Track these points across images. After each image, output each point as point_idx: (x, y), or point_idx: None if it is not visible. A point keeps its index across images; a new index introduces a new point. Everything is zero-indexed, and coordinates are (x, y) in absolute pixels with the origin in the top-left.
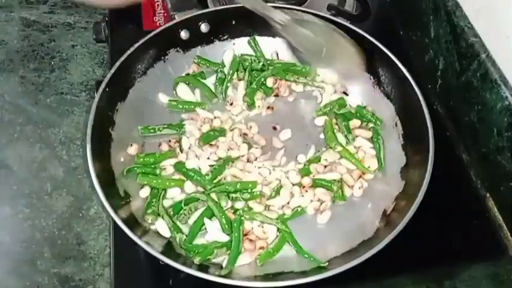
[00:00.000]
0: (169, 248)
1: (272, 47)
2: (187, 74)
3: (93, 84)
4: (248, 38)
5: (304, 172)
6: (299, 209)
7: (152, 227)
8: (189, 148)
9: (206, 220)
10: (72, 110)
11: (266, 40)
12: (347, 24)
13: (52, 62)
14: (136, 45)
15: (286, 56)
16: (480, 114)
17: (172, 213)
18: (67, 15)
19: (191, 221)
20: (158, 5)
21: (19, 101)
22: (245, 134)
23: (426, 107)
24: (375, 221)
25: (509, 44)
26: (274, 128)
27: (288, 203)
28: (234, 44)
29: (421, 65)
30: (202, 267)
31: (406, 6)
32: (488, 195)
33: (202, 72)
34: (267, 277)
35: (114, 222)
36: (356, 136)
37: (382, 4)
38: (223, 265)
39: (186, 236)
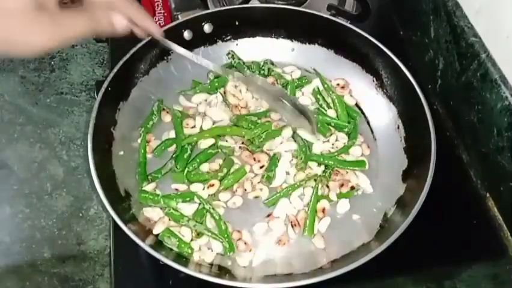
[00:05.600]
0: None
1: (274, 49)
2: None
3: (93, 84)
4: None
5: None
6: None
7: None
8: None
9: None
10: (72, 110)
11: (268, 41)
12: (347, 24)
13: (52, 62)
14: (139, 45)
15: (287, 57)
16: (480, 114)
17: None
18: None
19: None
20: (158, 5)
21: (19, 101)
22: None
23: (429, 111)
24: (375, 224)
25: (509, 44)
26: None
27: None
28: (237, 44)
29: (421, 65)
30: (202, 268)
31: (406, 6)
32: (488, 195)
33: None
34: (266, 278)
35: (114, 222)
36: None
37: (382, 4)
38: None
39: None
